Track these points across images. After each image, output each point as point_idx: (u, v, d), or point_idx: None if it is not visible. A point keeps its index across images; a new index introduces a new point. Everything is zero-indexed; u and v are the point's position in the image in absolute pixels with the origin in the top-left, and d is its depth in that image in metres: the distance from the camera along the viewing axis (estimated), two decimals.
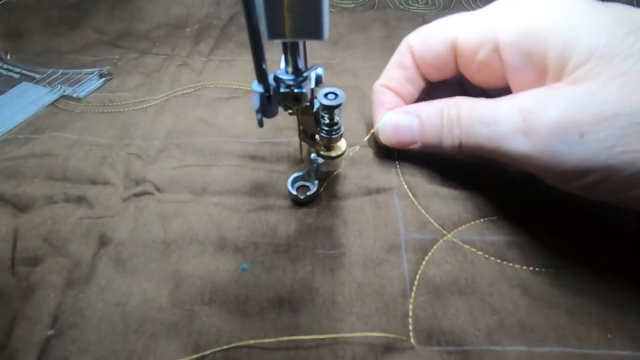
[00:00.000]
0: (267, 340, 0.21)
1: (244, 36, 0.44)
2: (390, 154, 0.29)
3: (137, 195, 0.28)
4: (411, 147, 0.27)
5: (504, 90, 0.24)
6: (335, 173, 0.28)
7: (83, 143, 0.32)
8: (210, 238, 0.25)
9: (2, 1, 0.47)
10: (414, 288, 0.22)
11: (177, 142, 0.31)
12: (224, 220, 0.26)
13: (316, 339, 0.21)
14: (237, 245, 0.25)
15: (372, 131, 0.29)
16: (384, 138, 0.27)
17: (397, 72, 0.27)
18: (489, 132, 0.22)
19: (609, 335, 0.20)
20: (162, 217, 0.26)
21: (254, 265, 0.24)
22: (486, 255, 0.24)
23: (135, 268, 0.24)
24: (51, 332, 0.21)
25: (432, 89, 0.29)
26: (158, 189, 0.28)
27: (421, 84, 0.28)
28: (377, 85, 0.29)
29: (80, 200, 0.28)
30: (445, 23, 0.26)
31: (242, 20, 0.45)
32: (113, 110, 0.35)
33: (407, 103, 0.28)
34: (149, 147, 0.31)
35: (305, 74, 0.21)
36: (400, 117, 0.27)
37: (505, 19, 0.23)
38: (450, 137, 0.24)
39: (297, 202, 0.27)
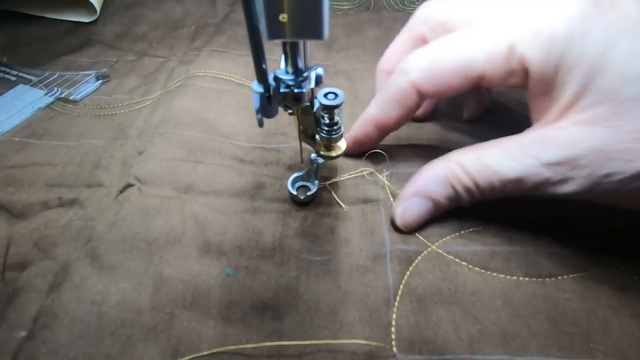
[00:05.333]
0: (249, 345, 0.20)
1: (238, 31, 0.44)
2: (377, 165, 0.29)
3: (121, 190, 0.27)
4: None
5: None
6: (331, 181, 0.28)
7: (80, 148, 0.32)
8: (195, 240, 0.25)
9: None
10: (398, 297, 0.22)
11: (162, 132, 0.31)
12: (209, 223, 0.26)
13: (299, 345, 0.21)
14: (221, 249, 0.25)
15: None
16: (405, 226, 0.25)
17: (396, 112, 0.26)
18: (502, 179, 0.22)
19: (591, 345, 0.20)
20: (144, 213, 0.26)
21: (238, 270, 0.24)
22: (470, 266, 0.24)
23: (113, 265, 0.23)
24: (23, 333, 0.21)
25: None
26: (140, 180, 0.27)
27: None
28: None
29: (74, 203, 0.28)
30: (458, 53, 0.23)
31: (237, 17, 0.46)
32: (109, 113, 0.36)
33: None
34: (141, 144, 0.31)
35: (305, 74, 0.20)
36: (415, 206, 0.25)
37: (532, 43, 0.21)
38: (469, 196, 0.24)
39: (297, 202, 0.27)
